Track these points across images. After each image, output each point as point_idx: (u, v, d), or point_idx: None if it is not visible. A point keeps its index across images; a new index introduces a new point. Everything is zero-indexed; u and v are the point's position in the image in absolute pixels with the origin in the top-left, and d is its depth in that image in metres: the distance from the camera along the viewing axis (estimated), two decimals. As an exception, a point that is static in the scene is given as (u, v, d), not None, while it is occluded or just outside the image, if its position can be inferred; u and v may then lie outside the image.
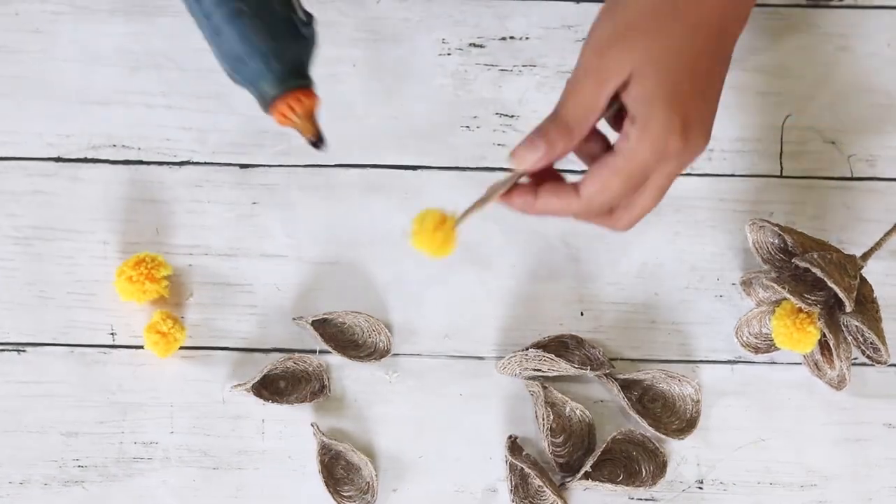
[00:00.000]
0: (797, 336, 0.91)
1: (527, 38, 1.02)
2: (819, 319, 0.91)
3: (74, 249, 0.97)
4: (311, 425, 0.93)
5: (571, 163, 0.83)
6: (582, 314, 0.97)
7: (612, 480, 0.93)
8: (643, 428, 0.94)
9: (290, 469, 0.93)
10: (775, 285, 0.91)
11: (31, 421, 0.94)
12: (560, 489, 0.92)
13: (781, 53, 1.02)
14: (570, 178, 0.82)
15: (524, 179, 0.81)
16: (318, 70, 0.81)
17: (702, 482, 0.94)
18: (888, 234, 0.95)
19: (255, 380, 0.93)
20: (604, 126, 0.81)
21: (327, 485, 0.92)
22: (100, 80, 1.00)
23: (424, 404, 0.95)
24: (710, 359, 0.96)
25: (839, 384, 0.94)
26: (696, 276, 0.97)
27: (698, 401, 0.95)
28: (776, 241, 0.95)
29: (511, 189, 0.81)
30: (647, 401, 0.95)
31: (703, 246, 0.98)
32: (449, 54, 1.02)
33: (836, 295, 0.91)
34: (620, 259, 0.98)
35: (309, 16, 0.80)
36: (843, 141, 1.00)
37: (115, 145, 0.99)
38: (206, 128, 0.99)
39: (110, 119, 0.99)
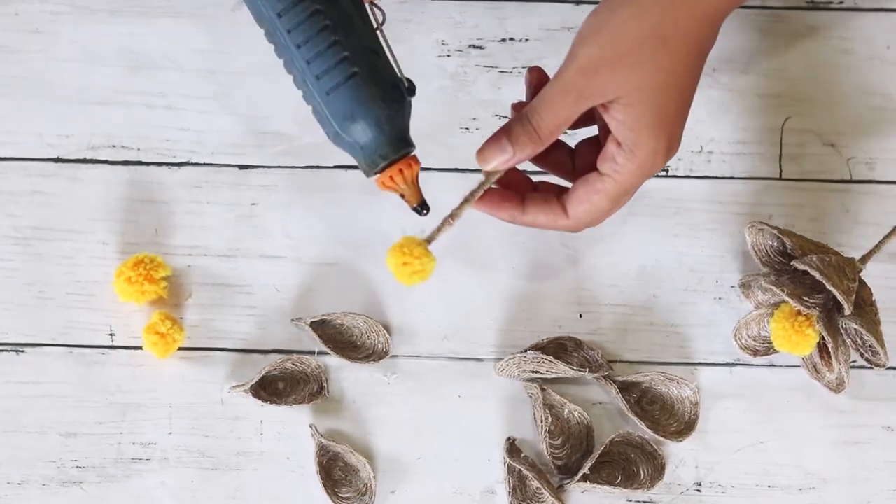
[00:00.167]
0: (796, 339, 0.91)
1: (526, 40, 1.02)
2: (818, 322, 0.91)
3: (74, 250, 0.97)
4: (310, 426, 0.93)
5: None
6: (581, 316, 0.97)
7: (611, 482, 0.93)
8: (641, 430, 0.94)
9: (289, 470, 0.93)
10: (774, 288, 0.91)
11: (29, 421, 0.94)
12: (558, 491, 0.92)
13: (781, 56, 1.02)
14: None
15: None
16: (318, 72, 0.82)
17: (700, 484, 0.94)
18: (887, 237, 0.95)
19: (254, 381, 0.93)
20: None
21: (325, 486, 0.92)
22: (99, 81, 1.00)
23: (423, 406, 0.95)
24: (708, 361, 0.96)
25: (838, 387, 0.94)
26: (694, 278, 0.97)
27: (697, 403, 0.95)
28: (775, 243, 0.95)
29: (497, 199, 0.84)
30: (646, 403, 0.95)
31: (702, 248, 0.98)
32: (448, 56, 1.02)
33: (834, 298, 0.91)
34: (619, 261, 0.98)
35: (411, 83, 0.81)
36: (842, 144, 1.00)
37: (114, 146, 0.99)
38: (205, 128, 0.99)
39: (110, 119, 0.99)
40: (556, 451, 0.93)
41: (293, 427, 0.94)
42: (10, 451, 0.93)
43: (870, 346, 0.93)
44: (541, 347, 0.95)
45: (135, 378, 0.95)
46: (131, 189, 0.98)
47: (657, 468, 0.93)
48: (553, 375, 0.94)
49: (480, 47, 1.02)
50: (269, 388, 0.95)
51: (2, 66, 1.00)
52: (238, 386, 0.93)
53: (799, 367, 0.96)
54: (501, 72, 1.01)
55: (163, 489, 0.93)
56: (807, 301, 0.91)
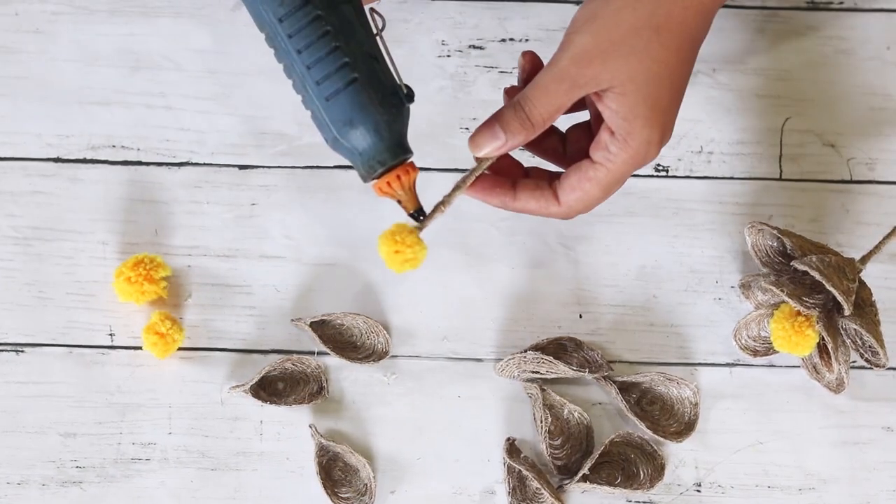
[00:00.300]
0: (796, 339, 0.91)
1: (526, 40, 1.02)
2: (817, 323, 0.91)
3: (73, 250, 0.97)
4: (310, 427, 0.93)
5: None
6: (580, 316, 0.97)
7: (610, 483, 0.93)
8: (641, 430, 0.94)
9: (288, 470, 0.93)
10: (774, 288, 0.91)
11: (29, 421, 0.94)
12: (558, 491, 0.92)
13: (781, 56, 1.02)
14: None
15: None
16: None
17: (700, 485, 0.94)
18: (887, 237, 0.95)
19: (254, 381, 0.93)
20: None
21: (325, 486, 0.92)
22: (99, 81, 1.00)
23: (423, 406, 0.95)
24: (708, 361, 0.96)
25: (837, 387, 0.94)
26: (694, 278, 0.97)
27: (697, 403, 0.95)
28: (775, 244, 0.95)
29: (489, 185, 0.84)
30: (646, 403, 0.95)
31: (702, 249, 0.98)
32: (448, 56, 1.02)
33: (834, 298, 0.91)
34: (619, 261, 0.98)
35: (410, 89, 0.81)
36: (842, 144, 1.00)
37: (114, 146, 0.99)
38: (205, 129, 1.00)
39: (109, 119, 0.99)
40: (556, 452, 0.93)
41: (293, 427, 0.94)
42: (10, 452, 0.93)
43: (870, 347, 0.93)
44: (541, 348, 0.95)
45: (134, 378, 0.95)
46: (131, 189, 0.98)
47: (657, 468, 0.93)
48: (553, 376, 0.94)
49: (480, 47, 1.02)
50: (269, 389, 0.95)
51: (2, 66, 1.00)
52: (238, 386, 0.93)
53: (799, 367, 0.96)
54: (501, 72, 1.01)
55: (162, 489, 0.93)
56: (807, 301, 0.91)
